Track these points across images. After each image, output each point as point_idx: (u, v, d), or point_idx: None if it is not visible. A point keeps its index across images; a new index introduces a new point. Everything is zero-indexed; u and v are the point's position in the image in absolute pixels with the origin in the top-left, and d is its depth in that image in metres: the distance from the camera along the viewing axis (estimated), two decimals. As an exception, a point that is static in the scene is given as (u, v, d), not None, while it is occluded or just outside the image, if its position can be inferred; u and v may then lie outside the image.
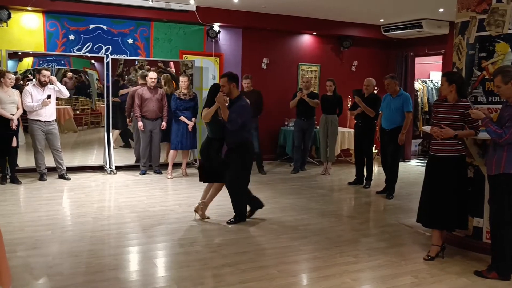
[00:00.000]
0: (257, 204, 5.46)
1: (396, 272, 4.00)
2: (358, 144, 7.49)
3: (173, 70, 8.75)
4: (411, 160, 10.20)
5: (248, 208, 5.40)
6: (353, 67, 10.30)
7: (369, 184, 7.37)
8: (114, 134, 8.29)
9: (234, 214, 5.27)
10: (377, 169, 8.55)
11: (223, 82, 5.10)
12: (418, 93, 10.64)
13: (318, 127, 8.69)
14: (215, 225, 5.18)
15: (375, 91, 7.51)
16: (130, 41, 8.30)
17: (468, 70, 4.53)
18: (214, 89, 5.13)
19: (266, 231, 5.01)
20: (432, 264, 4.19)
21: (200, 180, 5.36)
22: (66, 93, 7.22)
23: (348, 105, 9.17)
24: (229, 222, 5.19)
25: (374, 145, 7.80)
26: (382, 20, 9.38)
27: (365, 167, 7.46)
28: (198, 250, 4.39)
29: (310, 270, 4.09)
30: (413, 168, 9.47)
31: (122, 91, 8.18)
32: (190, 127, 7.46)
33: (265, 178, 7.89)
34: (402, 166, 9.19)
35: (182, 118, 7.43)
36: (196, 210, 5.31)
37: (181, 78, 7.56)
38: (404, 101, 6.59)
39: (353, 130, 7.80)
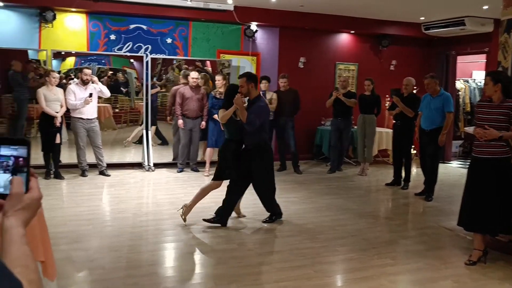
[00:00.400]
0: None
1: (435, 276, 3.91)
2: (396, 145, 7.35)
3: (210, 69, 8.84)
4: (451, 162, 9.93)
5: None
6: (392, 66, 10.11)
7: (407, 186, 7.22)
8: (140, 131, 8.50)
9: (269, 214, 5.27)
10: (415, 170, 8.36)
11: (241, 83, 4.97)
12: (460, 93, 10.33)
13: (355, 127, 8.59)
14: (250, 224, 5.20)
15: (414, 91, 7.34)
16: (169, 40, 8.43)
17: (514, 69, 4.37)
18: (232, 90, 5.07)
19: (302, 231, 4.99)
20: (473, 269, 4.07)
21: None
22: (107, 93, 7.42)
23: (386, 105, 9.01)
24: (264, 221, 5.19)
25: (413, 146, 7.63)
26: (422, 18, 9.16)
27: (403, 168, 7.31)
28: (234, 248, 4.42)
29: (347, 271, 4.05)
30: (453, 170, 9.22)
31: (152, 91, 8.34)
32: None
33: (301, 177, 7.86)
34: (442, 167, 8.95)
35: (216, 116, 7.50)
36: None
37: (217, 77, 7.64)
38: (445, 101, 6.42)
39: (391, 130, 7.66)
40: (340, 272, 4.08)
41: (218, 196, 5.14)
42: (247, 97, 5.04)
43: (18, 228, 0.93)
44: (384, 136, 9.24)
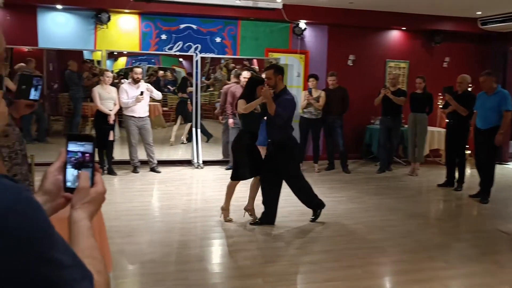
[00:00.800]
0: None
1: (492, 281, 3.75)
2: (449, 144, 7.10)
3: (257, 67, 8.86)
4: (509, 163, 9.49)
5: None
6: (445, 63, 9.77)
7: (461, 187, 6.96)
8: (181, 128, 8.66)
9: (312, 211, 5.19)
10: (469, 171, 8.05)
11: (269, 75, 4.84)
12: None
13: (406, 126, 8.36)
14: (299, 222, 5.17)
15: (469, 89, 7.06)
16: (218, 39, 8.53)
17: None
18: (253, 81, 5.01)
19: (351, 231, 4.92)
20: (534, 275, 3.88)
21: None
22: (158, 97, 7.61)
23: (439, 103, 8.72)
24: (312, 220, 5.15)
25: (467, 146, 7.34)
26: (479, 13, 8.79)
27: (456, 168, 7.05)
28: (282, 246, 4.42)
29: (398, 273, 3.96)
30: (511, 171, 8.80)
31: (190, 89, 8.49)
32: None
33: (349, 177, 7.74)
34: (499, 168, 8.54)
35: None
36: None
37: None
38: (502, 99, 6.13)
39: (444, 129, 7.41)
40: (390, 273, 4.00)
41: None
42: (274, 91, 4.85)
43: (85, 221, 0.97)
44: (436, 135, 8.95)
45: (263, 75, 5.09)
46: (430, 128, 8.38)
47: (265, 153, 5.10)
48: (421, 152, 8.08)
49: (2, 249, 0.61)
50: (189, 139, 8.53)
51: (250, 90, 4.90)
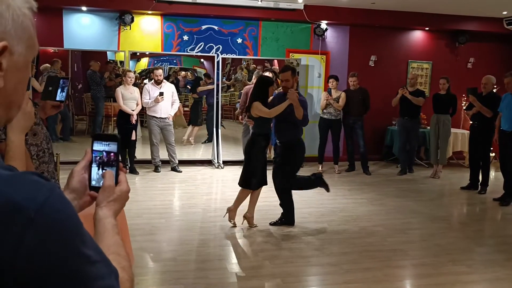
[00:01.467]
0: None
1: (516, 287, 3.68)
2: (473, 146, 6.98)
3: (277, 68, 8.86)
4: (534, 166, 9.26)
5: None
6: (469, 64, 9.60)
7: (484, 190, 6.83)
8: (194, 130, 8.68)
9: (281, 214, 5.05)
10: (494, 174, 7.90)
11: (287, 77, 4.73)
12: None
13: (428, 127, 8.24)
14: (318, 224, 5.16)
15: (494, 90, 6.93)
16: (239, 40, 8.57)
17: None
18: (265, 82, 4.85)
19: (371, 233, 4.89)
20: (560, 281, 3.78)
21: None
22: (176, 103, 7.64)
23: (463, 104, 8.58)
24: (272, 223, 5.01)
25: (491, 148, 7.20)
26: (505, 13, 8.61)
27: (480, 171, 6.93)
28: (302, 247, 4.42)
29: (419, 277, 3.92)
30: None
31: (200, 88, 8.55)
32: None
33: (370, 179, 7.68)
34: (524, 172, 8.39)
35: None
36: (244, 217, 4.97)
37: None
38: (528, 100, 6.00)
39: (467, 131, 7.28)
40: (411, 277, 3.95)
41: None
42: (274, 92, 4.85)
43: (110, 218, 1.00)
44: (459, 137, 8.81)
45: (281, 77, 4.98)
46: (453, 130, 8.25)
47: (274, 155, 5.05)
48: (444, 154, 7.96)
49: (38, 243, 0.63)
50: (209, 139, 8.57)
51: (263, 91, 4.75)
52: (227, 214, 4.94)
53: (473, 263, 4.15)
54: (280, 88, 7.59)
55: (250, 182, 4.82)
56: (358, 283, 3.63)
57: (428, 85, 9.42)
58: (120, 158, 1.08)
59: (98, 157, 1.06)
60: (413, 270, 4.06)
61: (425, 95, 7.95)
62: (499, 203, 6.28)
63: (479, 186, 6.91)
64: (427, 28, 9.27)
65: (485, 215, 6.04)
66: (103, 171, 1.06)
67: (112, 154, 1.06)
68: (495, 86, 6.92)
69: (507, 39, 9.54)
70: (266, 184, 4.91)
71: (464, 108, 7.76)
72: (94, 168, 1.06)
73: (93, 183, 1.06)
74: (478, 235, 5.07)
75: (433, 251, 4.43)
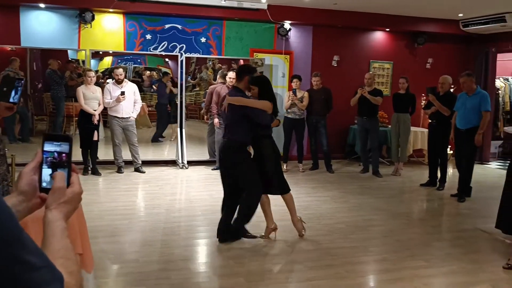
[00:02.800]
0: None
1: (471, 280, 3.82)
2: (432, 144, 7.20)
3: (243, 68, 8.88)
4: (490, 162, 9.65)
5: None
6: (428, 64, 9.90)
7: (443, 186, 7.06)
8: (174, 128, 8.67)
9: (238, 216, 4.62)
10: (451, 170, 8.17)
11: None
12: (500, 91, 10.01)
13: (389, 126, 8.44)
14: (283, 222, 5.19)
15: (452, 89, 7.16)
16: (203, 39, 8.53)
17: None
18: (266, 80, 4.72)
19: (333, 230, 4.97)
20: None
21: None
22: (138, 103, 7.52)
23: (422, 103, 8.83)
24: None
25: (449, 146, 7.45)
26: (461, 15, 8.93)
27: (439, 168, 7.15)
28: (265, 245, 4.45)
29: (379, 272, 4.01)
30: (492, 171, 8.95)
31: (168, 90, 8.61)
32: None
33: (333, 177, 7.80)
34: (480, 168, 8.73)
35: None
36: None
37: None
38: (482, 99, 6.24)
39: (427, 129, 7.50)
40: (372, 272, 4.05)
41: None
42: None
43: (60, 221, 0.97)
44: (419, 135, 9.06)
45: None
46: (413, 128, 8.48)
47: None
48: (404, 152, 8.17)
49: None
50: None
51: (265, 89, 4.51)
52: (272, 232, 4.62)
53: (431, 258, 4.28)
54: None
55: (285, 184, 4.57)
56: (321, 280, 3.68)
57: (389, 85, 9.65)
58: (71, 159, 1.05)
59: (49, 158, 1.04)
60: (374, 265, 4.16)
61: (383, 94, 8.11)
62: (456, 199, 6.51)
63: (438, 183, 7.14)
64: (387, 29, 9.49)
65: (443, 211, 6.24)
66: (54, 172, 1.03)
67: (64, 154, 1.04)
68: (452, 86, 7.15)
69: (463, 40, 9.89)
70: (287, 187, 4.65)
71: (423, 107, 7.99)
72: (45, 169, 1.04)
73: (44, 184, 1.03)
74: (436, 230, 5.23)
75: (393, 246, 4.54)
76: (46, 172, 1.04)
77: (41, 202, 1.03)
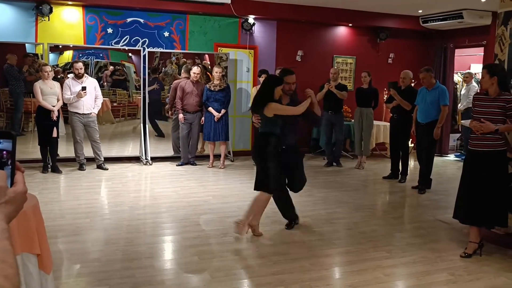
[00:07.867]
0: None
1: (431, 268, 3.93)
2: (393, 138, 7.36)
3: (208, 63, 8.82)
4: (449, 155, 9.95)
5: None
6: (390, 59, 10.10)
7: (404, 179, 7.24)
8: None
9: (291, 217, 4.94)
10: (413, 163, 8.38)
11: (294, 79, 4.65)
12: (458, 86, 10.33)
13: (352, 120, 8.57)
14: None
15: (412, 84, 7.33)
16: (166, 34, 8.40)
17: (510, 62, 4.37)
18: (274, 81, 4.60)
19: (299, 224, 5.00)
20: (469, 261, 4.09)
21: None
22: (99, 98, 7.34)
23: (384, 98, 9.01)
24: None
25: (410, 139, 7.64)
26: (420, 11, 9.14)
27: (400, 161, 7.32)
28: (230, 241, 4.44)
29: (343, 264, 4.07)
30: (450, 163, 9.23)
31: (149, 88, 8.44)
32: (216, 118, 7.56)
33: (298, 171, 7.85)
34: (440, 161, 8.98)
35: (210, 109, 7.57)
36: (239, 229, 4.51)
37: (215, 69, 7.67)
38: (440, 94, 6.41)
39: (389, 123, 7.66)
40: (336, 265, 4.10)
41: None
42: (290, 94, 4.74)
43: (0, 222, 0.93)
44: (381, 129, 9.25)
45: (287, 80, 4.57)
46: (376, 122, 8.65)
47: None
48: (367, 146, 8.32)
49: None
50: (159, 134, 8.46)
51: (271, 91, 4.49)
52: (249, 229, 4.52)
53: (392, 248, 4.38)
54: (212, 82, 7.64)
55: (276, 183, 4.51)
56: (286, 273, 3.71)
57: (353, 80, 9.79)
58: (15, 156, 1.01)
59: None
60: (338, 258, 4.22)
61: (348, 88, 8.24)
62: (417, 191, 6.68)
63: (399, 176, 7.31)
64: (350, 24, 9.61)
65: (405, 203, 6.39)
66: None
67: (4, 152, 0.99)
68: (413, 80, 7.32)
69: (423, 36, 10.14)
70: (284, 189, 4.71)
71: (385, 101, 8.15)
72: None
73: None
74: (398, 222, 5.36)
75: (357, 239, 4.62)
76: None
77: None
